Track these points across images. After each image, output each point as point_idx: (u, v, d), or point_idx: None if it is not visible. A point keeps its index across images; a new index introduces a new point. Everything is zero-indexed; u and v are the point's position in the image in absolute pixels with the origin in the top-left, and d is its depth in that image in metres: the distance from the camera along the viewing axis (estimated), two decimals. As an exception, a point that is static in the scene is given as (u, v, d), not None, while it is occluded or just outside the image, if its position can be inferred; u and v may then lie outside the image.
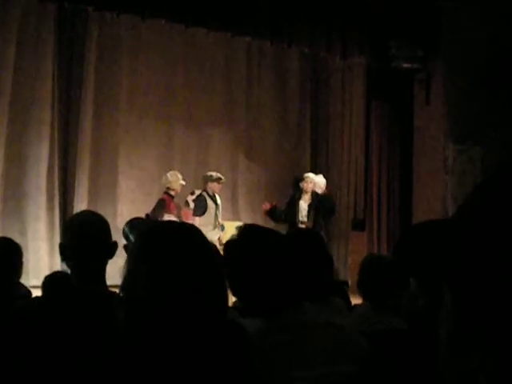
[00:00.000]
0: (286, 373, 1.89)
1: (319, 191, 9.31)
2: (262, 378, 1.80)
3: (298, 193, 9.39)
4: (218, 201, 9.17)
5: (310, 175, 9.40)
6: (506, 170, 0.86)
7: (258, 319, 1.97)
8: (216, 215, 9.04)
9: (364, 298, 3.60)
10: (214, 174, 9.19)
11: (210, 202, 9.01)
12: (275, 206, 9.31)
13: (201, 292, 1.55)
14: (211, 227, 8.82)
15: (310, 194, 9.19)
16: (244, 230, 2.20)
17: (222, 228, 9.00)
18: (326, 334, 2.01)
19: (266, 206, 9.32)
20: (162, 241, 1.63)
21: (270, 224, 9.03)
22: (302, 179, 9.41)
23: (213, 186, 9.09)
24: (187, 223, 1.81)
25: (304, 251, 2.85)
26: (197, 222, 8.58)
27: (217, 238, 8.48)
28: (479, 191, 0.87)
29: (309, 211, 9.11)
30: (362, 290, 3.59)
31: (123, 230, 3.50)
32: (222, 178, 9.22)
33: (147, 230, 1.69)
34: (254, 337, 1.82)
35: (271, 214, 9.26)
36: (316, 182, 9.30)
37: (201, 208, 8.95)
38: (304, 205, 9.15)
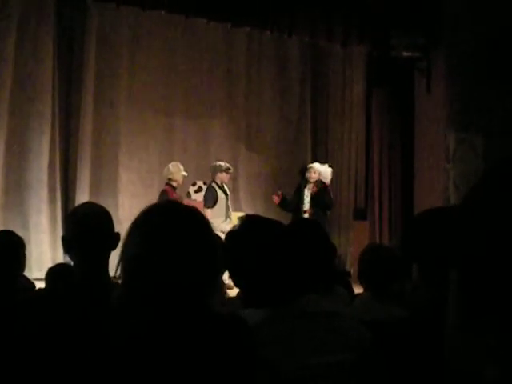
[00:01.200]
0: (288, 362, 1.89)
1: (326, 181, 9.32)
2: (264, 367, 1.80)
3: (303, 182, 9.42)
4: (228, 191, 9.16)
5: (315, 165, 9.41)
6: (510, 159, 0.86)
7: (260, 309, 1.98)
8: (227, 206, 8.98)
9: (365, 288, 3.61)
10: (222, 164, 9.12)
11: (219, 193, 8.94)
12: (283, 195, 9.35)
13: (191, 262, 1.56)
14: (223, 218, 8.77)
15: (313, 183, 9.22)
16: (245, 221, 2.21)
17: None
18: (328, 323, 2.01)
19: (276, 199, 9.33)
20: (157, 215, 1.65)
21: (271, 214, 9.06)
22: (306, 169, 9.44)
23: (222, 177, 9.04)
24: (188, 205, 1.82)
25: (306, 241, 2.85)
26: (208, 213, 8.49)
27: (229, 228, 8.28)
28: (485, 180, 0.88)
29: (311, 201, 9.16)
30: (363, 280, 3.60)
31: None
32: (231, 167, 9.21)
33: (146, 208, 1.70)
34: (257, 326, 1.82)
35: (282, 204, 9.32)
36: (321, 172, 9.30)
37: (211, 199, 8.85)
38: (307, 194, 9.21)
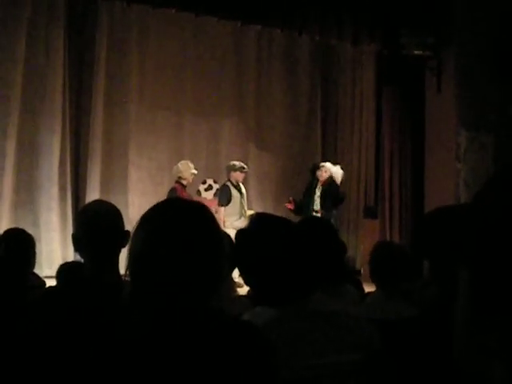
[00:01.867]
0: (294, 362, 1.89)
1: (336, 181, 9.27)
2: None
3: (314, 181, 9.38)
4: (243, 190, 9.33)
5: (327, 165, 9.39)
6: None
7: (270, 308, 1.98)
8: (241, 204, 9.17)
9: (376, 286, 3.60)
10: (236, 163, 9.33)
11: (234, 192, 9.15)
12: (295, 201, 9.29)
13: (197, 258, 1.55)
14: (237, 216, 8.97)
15: (323, 182, 9.18)
16: (255, 219, 2.21)
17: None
18: (337, 322, 2.01)
19: (289, 206, 9.29)
20: (164, 210, 1.64)
21: (280, 212, 9.04)
22: (318, 167, 9.40)
23: (236, 176, 9.25)
24: (195, 202, 1.80)
25: (316, 239, 2.84)
26: (222, 211, 8.84)
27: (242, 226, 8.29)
28: (496, 180, 0.87)
29: (321, 198, 9.12)
30: (374, 278, 3.59)
31: None
32: (245, 167, 9.41)
33: (153, 205, 1.70)
34: (265, 326, 1.82)
35: (296, 210, 9.21)
36: (332, 172, 9.27)
37: (225, 198, 9.07)
38: (318, 194, 9.17)
